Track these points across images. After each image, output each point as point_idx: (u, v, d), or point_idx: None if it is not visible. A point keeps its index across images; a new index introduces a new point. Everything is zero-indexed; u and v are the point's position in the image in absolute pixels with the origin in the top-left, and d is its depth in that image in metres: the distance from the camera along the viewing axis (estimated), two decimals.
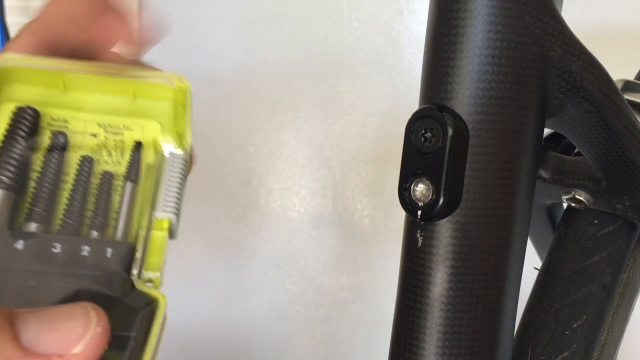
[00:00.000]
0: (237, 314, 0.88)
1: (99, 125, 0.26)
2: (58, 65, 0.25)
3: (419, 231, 0.26)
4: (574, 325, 0.33)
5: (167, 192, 0.25)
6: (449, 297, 0.26)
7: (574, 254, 0.35)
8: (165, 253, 0.23)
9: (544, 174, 0.35)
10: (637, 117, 0.29)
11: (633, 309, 0.35)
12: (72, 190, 0.24)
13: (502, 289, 0.27)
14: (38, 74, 0.25)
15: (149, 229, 0.24)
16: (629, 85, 0.35)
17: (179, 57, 0.82)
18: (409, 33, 0.79)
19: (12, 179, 0.23)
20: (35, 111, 0.25)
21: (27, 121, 0.24)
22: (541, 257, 0.42)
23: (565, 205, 0.36)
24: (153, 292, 0.22)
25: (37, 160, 0.24)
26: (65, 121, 0.26)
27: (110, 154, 0.26)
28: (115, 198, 0.25)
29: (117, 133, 0.26)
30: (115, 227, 0.24)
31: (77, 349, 0.20)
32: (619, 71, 0.33)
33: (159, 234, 0.23)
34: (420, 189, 0.26)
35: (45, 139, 0.25)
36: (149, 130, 0.26)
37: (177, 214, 0.24)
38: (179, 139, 0.26)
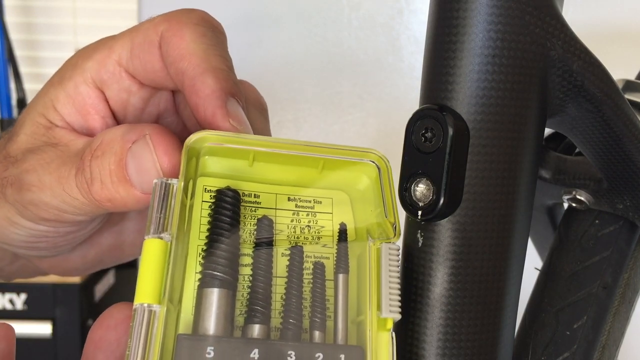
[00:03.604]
0: None
1: (290, 199, 0.24)
2: (252, 144, 0.23)
3: (419, 231, 0.26)
4: (575, 326, 0.33)
5: (389, 288, 0.23)
6: (450, 297, 0.26)
7: (575, 254, 0.35)
8: (394, 354, 0.22)
9: (544, 174, 0.34)
10: (638, 116, 0.29)
11: (634, 309, 0.35)
12: (287, 284, 0.22)
13: (502, 289, 0.27)
14: (229, 150, 0.23)
15: (375, 330, 0.22)
16: (629, 85, 0.35)
17: None
18: (409, 33, 0.78)
19: (225, 273, 0.21)
20: (237, 193, 0.23)
21: (230, 205, 0.23)
22: (542, 257, 0.42)
23: (566, 205, 0.36)
24: None
25: (245, 247, 0.22)
26: (257, 196, 0.24)
27: (307, 235, 0.24)
28: (329, 290, 0.23)
29: (309, 208, 0.24)
30: (335, 324, 0.23)
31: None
32: (619, 71, 0.33)
33: (385, 336, 0.22)
34: (421, 189, 0.26)
35: (249, 222, 0.23)
36: (339, 205, 0.24)
37: (400, 313, 0.23)
38: (387, 225, 0.24)
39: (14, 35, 1.93)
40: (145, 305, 0.19)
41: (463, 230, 0.26)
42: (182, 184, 0.22)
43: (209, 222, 0.23)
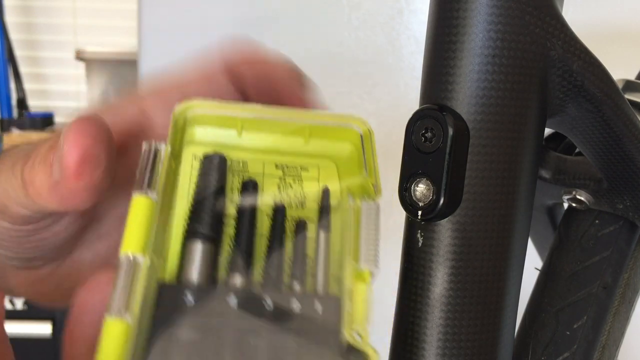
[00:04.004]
0: None
1: (277, 166, 0.25)
2: (239, 112, 0.24)
3: (419, 231, 0.26)
4: (575, 326, 0.33)
5: (368, 242, 0.24)
6: (450, 298, 0.26)
7: (575, 254, 0.35)
8: (370, 305, 0.22)
9: (544, 174, 0.34)
10: (638, 116, 0.29)
11: (634, 309, 0.35)
12: (269, 239, 0.24)
13: (502, 289, 0.27)
14: (218, 118, 0.25)
15: (349, 279, 0.23)
16: (629, 85, 0.35)
17: (179, 57, 0.82)
18: (409, 33, 0.78)
19: (210, 229, 0.22)
20: (223, 158, 0.24)
21: (216, 169, 0.24)
22: (542, 257, 0.42)
23: (566, 205, 0.36)
24: (367, 349, 0.21)
25: (230, 208, 0.24)
26: (245, 163, 0.25)
27: (292, 199, 0.25)
28: (310, 246, 0.24)
29: (295, 175, 0.25)
30: (315, 279, 0.23)
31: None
32: (619, 71, 0.33)
33: (362, 286, 0.23)
34: (421, 189, 0.26)
35: (235, 186, 0.24)
36: (325, 172, 0.25)
37: (377, 265, 0.23)
38: (368, 185, 0.25)
39: (14, 35, 1.93)
40: (130, 255, 0.20)
41: (463, 230, 0.26)
42: (169, 148, 0.23)
43: (196, 184, 0.24)
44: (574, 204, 0.35)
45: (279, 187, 0.25)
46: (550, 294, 0.34)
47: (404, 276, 0.27)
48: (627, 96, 0.32)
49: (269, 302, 0.21)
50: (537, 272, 0.36)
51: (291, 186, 0.25)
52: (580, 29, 0.28)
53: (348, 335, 0.22)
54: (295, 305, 0.22)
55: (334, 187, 0.26)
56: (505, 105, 0.25)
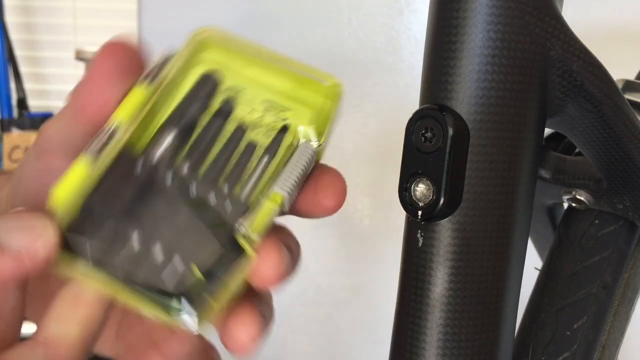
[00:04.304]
0: None
1: (264, 100, 0.29)
2: (247, 49, 0.29)
3: (419, 231, 0.26)
4: (575, 326, 0.33)
5: (290, 173, 0.28)
6: (450, 298, 0.26)
7: (575, 254, 0.35)
8: (271, 223, 0.27)
9: (544, 173, 0.34)
10: (637, 116, 0.29)
11: (634, 309, 0.35)
12: (222, 149, 0.28)
13: (502, 289, 0.27)
14: (229, 48, 0.29)
15: (265, 198, 0.27)
16: (629, 85, 0.35)
17: None
18: (409, 33, 0.78)
19: (183, 125, 0.28)
20: (215, 82, 0.29)
21: (207, 88, 0.29)
22: (542, 257, 0.42)
23: (565, 205, 0.36)
24: (247, 248, 0.26)
25: (205, 118, 0.29)
26: (240, 90, 0.29)
27: (261, 127, 0.29)
28: (252, 165, 0.28)
29: (276, 110, 0.29)
30: (243, 189, 0.28)
31: (39, 244, 0.24)
32: (619, 71, 0.33)
33: (270, 205, 0.27)
34: (421, 189, 0.26)
35: (216, 104, 0.29)
36: (300, 116, 0.29)
37: (291, 195, 0.27)
38: (319, 133, 0.28)
39: (14, 35, 1.93)
40: (114, 123, 0.26)
41: (463, 230, 0.26)
42: (179, 61, 0.29)
43: (187, 93, 0.29)
44: (573, 204, 0.35)
45: (257, 118, 0.29)
46: (550, 294, 0.34)
47: (404, 276, 0.27)
48: (627, 96, 0.32)
49: (193, 189, 0.27)
50: (537, 272, 0.36)
51: (268, 120, 0.29)
52: (580, 29, 0.28)
53: (237, 232, 0.26)
54: (212, 199, 0.27)
55: (299, 128, 0.29)
56: (505, 105, 0.25)
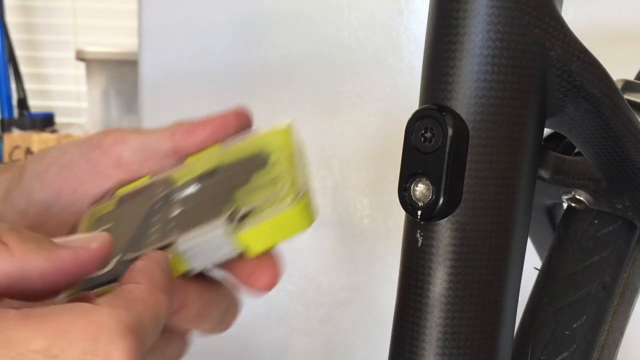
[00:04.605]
0: None
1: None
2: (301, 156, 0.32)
3: (418, 231, 0.26)
4: (574, 326, 0.33)
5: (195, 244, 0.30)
6: (449, 297, 0.26)
7: (574, 254, 0.35)
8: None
9: (544, 173, 0.35)
10: (637, 117, 0.29)
11: (633, 309, 0.35)
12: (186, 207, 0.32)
13: (502, 289, 0.27)
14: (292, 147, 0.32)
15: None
16: (629, 85, 0.35)
17: (179, 57, 0.82)
18: (409, 33, 0.79)
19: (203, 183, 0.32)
20: (263, 161, 0.32)
21: (252, 163, 0.32)
22: (541, 257, 0.42)
23: (565, 205, 0.36)
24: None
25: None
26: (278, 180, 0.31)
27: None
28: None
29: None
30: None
31: (94, 245, 0.26)
32: (619, 71, 0.33)
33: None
34: (420, 189, 0.26)
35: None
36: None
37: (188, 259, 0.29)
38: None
39: (15, 36, 1.93)
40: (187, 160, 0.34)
41: (462, 230, 0.26)
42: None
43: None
44: (573, 204, 0.35)
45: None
46: (550, 294, 0.34)
47: (403, 276, 0.27)
48: (626, 96, 0.32)
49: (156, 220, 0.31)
50: (537, 272, 0.36)
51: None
52: (580, 29, 0.28)
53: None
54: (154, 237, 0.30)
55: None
56: (505, 105, 0.25)
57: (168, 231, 0.29)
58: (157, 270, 0.27)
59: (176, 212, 0.31)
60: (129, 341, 0.23)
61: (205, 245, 0.28)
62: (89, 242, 0.26)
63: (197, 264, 0.28)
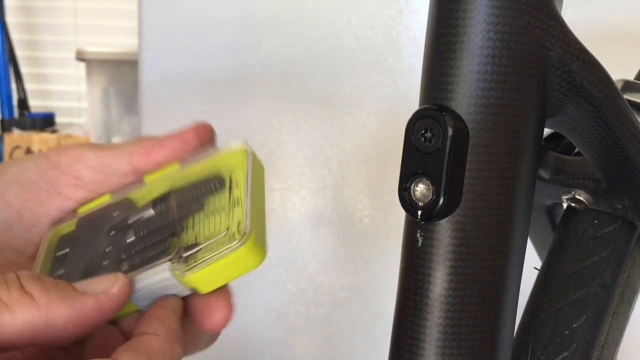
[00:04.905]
0: (236, 314, 0.87)
1: (238, 223, 0.30)
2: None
3: (419, 231, 0.27)
4: (574, 325, 0.33)
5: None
6: (449, 297, 0.26)
7: (574, 254, 0.35)
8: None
9: (543, 174, 0.35)
10: (637, 117, 0.29)
11: (633, 309, 0.35)
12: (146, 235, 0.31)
13: (502, 289, 0.27)
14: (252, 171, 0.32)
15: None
16: (628, 85, 0.35)
17: (179, 57, 0.82)
18: (409, 33, 0.79)
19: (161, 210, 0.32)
20: (219, 186, 0.32)
21: (212, 186, 0.32)
22: (541, 257, 0.42)
23: (565, 205, 0.36)
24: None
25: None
26: (236, 205, 0.30)
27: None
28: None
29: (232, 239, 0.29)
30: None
31: (115, 290, 0.27)
32: (619, 71, 0.33)
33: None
34: (420, 189, 0.26)
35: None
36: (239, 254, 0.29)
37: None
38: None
39: (15, 36, 1.93)
40: (145, 179, 0.34)
41: (462, 230, 0.26)
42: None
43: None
44: (573, 204, 0.35)
45: (215, 228, 0.30)
46: (550, 294, 0.34)
47: (403, 276, 0.27)
48: (626, 96, 0.32)
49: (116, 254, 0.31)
50: (537, 272, 0.36)
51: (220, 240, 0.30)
52: (580, 29, 0.28)
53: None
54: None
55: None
56: (505, 105, 0.25)
57: (119, 263, 0.30)
58: (173, 319, 0.27)
59: (130, 239, 0.31)
60: None
61: (154, 286, 0.28)
62: (110, 287, 0.27)
63: (146, 304, 0.29)
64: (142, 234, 0.31)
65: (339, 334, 0.86)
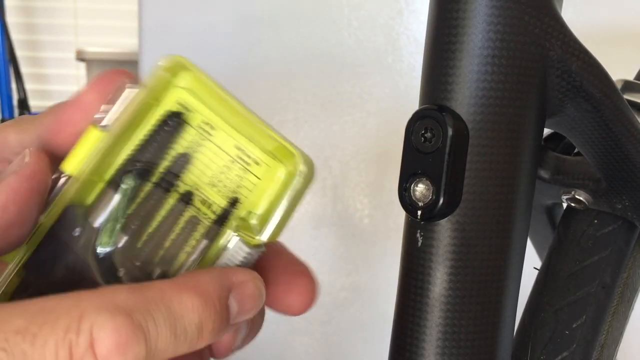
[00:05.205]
0: None
1: (236, 147, 0.27)
2: (224, 101, 0.26)
3: (419, 231, 0.27)
4: (574, 325, 0.33)
5: (218, 266, 0.26)
6: (449, 297, 0.26)
7: (574, 254, 0.35)
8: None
9: (543, 174, 0.35)
10: (636, 117, 0.29)
11: (633, 308, 0.35)
12: (160, 225, 0.26)
13: (501, 289, 0.27)
14: (200, 81, 0.26)
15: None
16: (628, 86, 0.35)
17: None
18: (409, 33, 0.79)
19: (131, 183, 0.26)
20: (181, 121, 0.26)
21: (171, 129, 0.26)
22: (541, 257, 0.42)
23: (565, 205, 0.36)
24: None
25: (158, 173, 0.26)
26: (212, 128, 0.27)
27: (217, 187, 0.27)
28: (188, 249, 0.27)
29: (245, 161, 0.27)
30: (178, 271, 0.26)
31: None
32: (619, 71, 0.33)
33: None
34: (420, 189, 0.26)
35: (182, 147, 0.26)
36: (271, 175, 0.27)
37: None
38: (264, 220, 0.26)
39: (15, 36, 1.93)
40: (65, 174, 0.25)
41: (462, 230, 0.26)
42: (143, 94, 0.26)
43: (148, 134, 0.26)
44: (572, 204, 0.35)
45: (223, 167, 0.27)
46: (550, 294, 0.34)
47: (403, 276, 0.28)
48: (626, 96, 0.32)
49: (121, 271, 0.26)
50: (537, 272, 0.36)
51: (233, 173, 0.27)
52: (580, 29, 0.28)
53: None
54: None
55: (266, 195, 0.27)
56: (505, 105, 0.25)
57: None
58: (213, 283, 0.24)
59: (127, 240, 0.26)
60: (119, 322, 0.20)
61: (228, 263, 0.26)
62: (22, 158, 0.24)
63: None
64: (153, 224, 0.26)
65: (339, 334, 0.86)
